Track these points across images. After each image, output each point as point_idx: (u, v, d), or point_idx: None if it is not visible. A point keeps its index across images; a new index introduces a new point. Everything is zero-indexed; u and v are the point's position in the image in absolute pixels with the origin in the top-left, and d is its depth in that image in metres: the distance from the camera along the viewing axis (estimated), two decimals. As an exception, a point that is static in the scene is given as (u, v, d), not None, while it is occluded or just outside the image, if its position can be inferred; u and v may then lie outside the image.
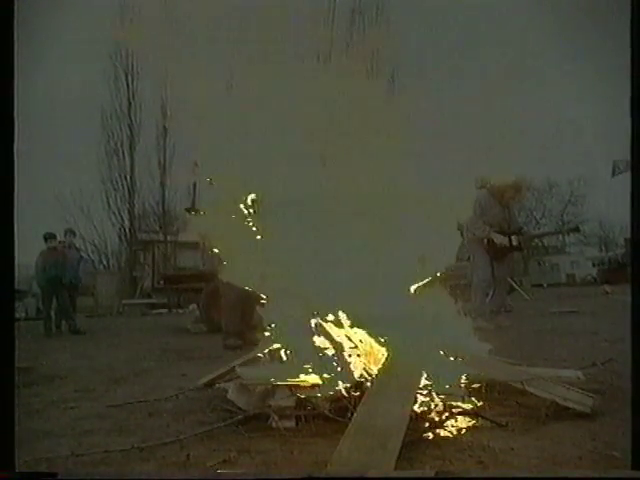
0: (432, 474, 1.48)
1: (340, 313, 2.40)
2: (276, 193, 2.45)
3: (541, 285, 26.92)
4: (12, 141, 1.50)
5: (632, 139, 1.46)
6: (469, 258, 6.46)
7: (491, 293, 6.25)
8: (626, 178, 1.45)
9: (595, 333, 4.85)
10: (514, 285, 14.15)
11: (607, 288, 13.49)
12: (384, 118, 2.53)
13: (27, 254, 8.71)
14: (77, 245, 10.64)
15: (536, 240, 19.85)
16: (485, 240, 5.98)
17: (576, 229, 21.24)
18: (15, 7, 1.49)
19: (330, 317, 2.40)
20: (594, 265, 29.94)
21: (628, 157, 1.50)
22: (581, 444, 1.77)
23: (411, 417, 1.86)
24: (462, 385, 2.28)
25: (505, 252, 6.20)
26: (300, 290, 2.38)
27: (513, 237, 6.08)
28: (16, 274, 1.63)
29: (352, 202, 2.42)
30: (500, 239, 5.97)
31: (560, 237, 37.61)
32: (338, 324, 2.38)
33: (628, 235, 1.53)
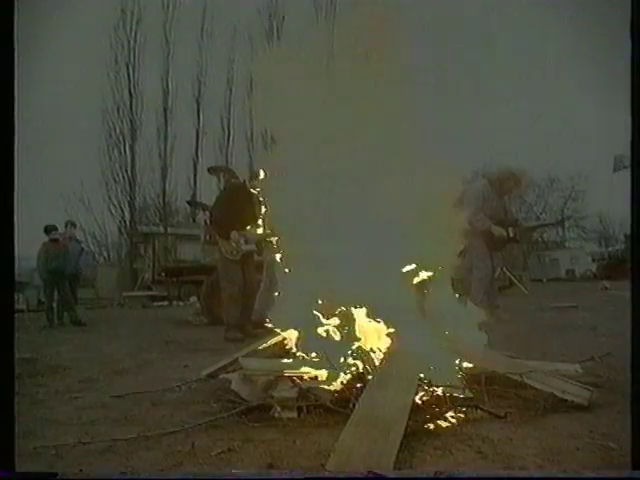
0: (431, 474, 1.50)
1: (343, 305, 2.43)
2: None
3: (541, 280, 26.92)
4: (13, 133, 1.51)
5: (632, 136, 1.47)
6: (461, 252, 6.35)
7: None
8: (627, 174, 1.47)
9: (594, 328, 4.87)
10: (514, 280, 14.18)
11: (606, 284, 13.49)
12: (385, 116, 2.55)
13: (28, 246, 8.75)
14: (78, 237, 10.65)
15: (530, 232, 20.40)
16: (484, 233, 5.92)
17: (562, 221, 22.81)
18: (16, 4, 1.50)
19: (333, 309, 2.43)
20: (594, 260, 29.85)
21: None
22: (578, 435, 1.81)
23: (412, 408, 1.89)
24: (462, 377, 2.31)
25: (502, 244, 6.17)
26: (305, 284, 2.42)
27: (510, 229, 6.05)
28: (17, 266, 1.64)
29: (357, 201, 2.44)
30: (499, 231, 5.93)
31: (560, 232, 37.75)
32: (341, 316, 2.41)
33: (628, 231, 1.54)
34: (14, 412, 1.52)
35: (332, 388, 2.18)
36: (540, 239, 35.57)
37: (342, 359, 2.29)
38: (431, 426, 1.92)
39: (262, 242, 5.70)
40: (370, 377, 2.14)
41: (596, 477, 1.53)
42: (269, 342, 2.80)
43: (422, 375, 2.14)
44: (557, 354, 3.35)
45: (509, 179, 6.03)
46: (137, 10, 25.55)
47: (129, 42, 25.56)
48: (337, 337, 2.39)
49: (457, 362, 2.36)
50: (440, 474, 1.42)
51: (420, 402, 2.04)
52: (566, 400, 2.10)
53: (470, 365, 2.38)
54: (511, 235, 6.03)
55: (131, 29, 25.59)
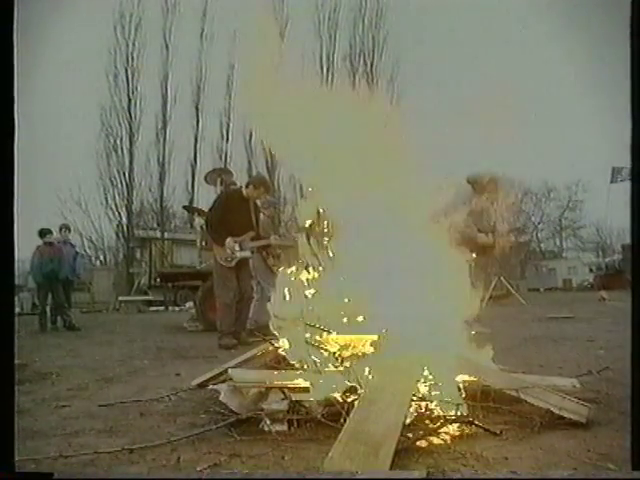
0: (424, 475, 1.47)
1: (337, 317, 2.38)
2: None
3: (537, 289, 26.93)
4: (12, 137, 1.49)
5: (632, 143, 1.43)
6: None
7: None
8: (624, 184, 1.44)
9: (591, 340, 4.82)
10: (511, 289, 14.14)
11: (604, 294, 13.45)
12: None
13: (23, 249, 8.69)
14: (73, 241, 10.60)
15: (507, 237, 20.96)
16: (470, 240, 5.81)
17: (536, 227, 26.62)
18: (15, 7, 1.48)
19: (327, 321, 2.38)
20: (591, 271, 29.88)
21: (627, 163, 1.48)
22: (576, 455, 1.75)
23: (404, 424, 1.84)
24: (457, 392, 2.26)
25: (485, 252, 6.11)
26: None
27: (490, 235, 5.97)
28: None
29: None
30: (484, 238, 5.83)
31: (558, 241, 38.02)
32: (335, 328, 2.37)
33: (625, 241, 1.50)
34: (14, 413, 1.49)
35: (323, 401, 2.13)
36: (538, 249, 35.71)
37: (334, 371, 2.24)
38: (424, 443, 1.86)
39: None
40: (362, 391, 2.09)
41: (597, 477, 1.49)
42: (261, 351, 2.74)
43: (416, 390, 2.09)
44: (554, 367, 3.30)
45: (490, 183, 5.95)
46: (136, 14, 25.61)
47: (128, 46, 25.63)
48: (332, 349, 2.35)
49: (452, 377, 2.31)
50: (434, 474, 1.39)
51: (413, 418, 1.99)
52: (563, 417, 2.05)
53: (465, 380, 2.32)
54: (491, 241, 5.95)
55: (130, 33, 25.65)
